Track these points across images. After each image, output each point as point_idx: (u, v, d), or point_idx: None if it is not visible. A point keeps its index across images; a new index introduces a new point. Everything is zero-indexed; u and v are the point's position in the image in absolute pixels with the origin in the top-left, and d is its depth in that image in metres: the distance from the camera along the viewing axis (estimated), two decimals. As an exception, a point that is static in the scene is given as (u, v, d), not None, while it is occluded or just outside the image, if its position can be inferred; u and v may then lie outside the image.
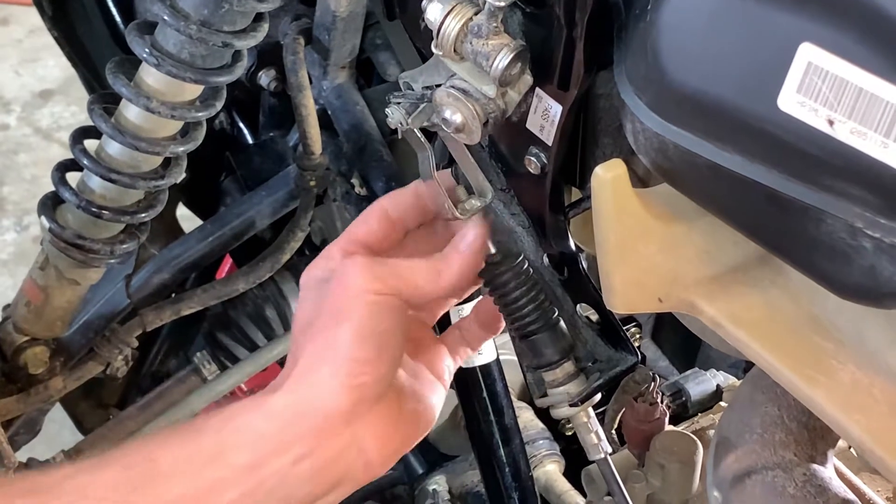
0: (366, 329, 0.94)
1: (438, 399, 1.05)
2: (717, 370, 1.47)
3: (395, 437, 0.98)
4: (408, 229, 1.06)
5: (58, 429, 2.05)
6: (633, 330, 1.70)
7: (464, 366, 1.34)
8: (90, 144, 1.39)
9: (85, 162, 1.36)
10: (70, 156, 1.40)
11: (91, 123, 1.37)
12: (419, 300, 0.99)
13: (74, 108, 3.36)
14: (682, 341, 1.72)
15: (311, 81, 1.54)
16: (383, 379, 0.95)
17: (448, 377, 1.07)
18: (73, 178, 1.41)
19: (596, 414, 1.08)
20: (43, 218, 1.41)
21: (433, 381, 1.05)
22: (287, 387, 0.95)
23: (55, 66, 3.46)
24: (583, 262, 1.01)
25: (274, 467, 0.92)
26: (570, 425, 1.10)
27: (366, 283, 0.95)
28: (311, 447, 0.93)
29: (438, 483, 1.64)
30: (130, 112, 1.32)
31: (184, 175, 1.41)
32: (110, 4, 1.72)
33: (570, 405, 1.03)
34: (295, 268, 1.67)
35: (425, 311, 1.07)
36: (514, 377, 1.48)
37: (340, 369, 0.94)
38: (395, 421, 0.98)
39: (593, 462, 1.08)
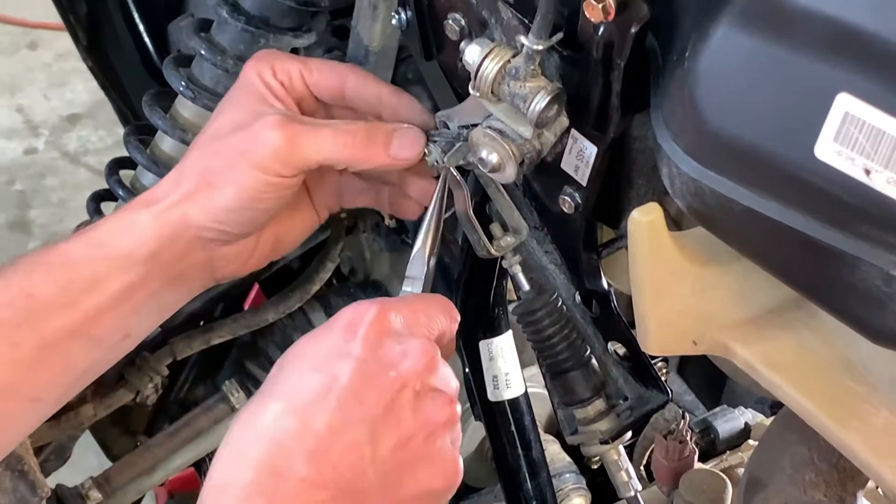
0: (246, 199, 1.00)
1: (305, 225, 1.12)
2: (744, 406, 1.47)
3: (247, 261, 1.08)
4: (338, 106, 1.09)
5: (83, 453, 2.05)
6: (659, 364, 1.71)
7: (492, 399, 1.34)
8: (125, 174, 1.41)
9: (120, 192, 1.37)
10: (100, 181, 1.41)
11: (125, 154, 1.39)
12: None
13: (102, 133, 3.38)
14: (709, 376, 1.72)
15: (342, 114, 1.55)
16: (245, 230, 1.03)
17: (325, 215, 1.13)
18: (107, 207, 1.43)
19: (625, 448, 1.09)
20: (78, 246, 1.42)
21: (310, 214, 1.12)
22: (160, 209, 1.01)
23: (83, 90, 3.48)
24: (614, 300, 1.01)
25: (147, 289, 1.01)
26: (596, 458, 1.11)
27: (268, 161, 0.99)
28: (176, 270, 1.02)
29: (464, 514, 1.64)
30: (166, 144, 1.34)
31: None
32: (143, 35, 1.74)
33: (601, 442, 1.04)
34: (324, 298, 1.68)
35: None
36: (540, 410, 1.49)
37: (207, 216, 1.01)
38: (252, 249, 1.07)
39: (623, 499, 1.08)
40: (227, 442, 0.86)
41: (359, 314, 0.90)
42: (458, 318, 0.96)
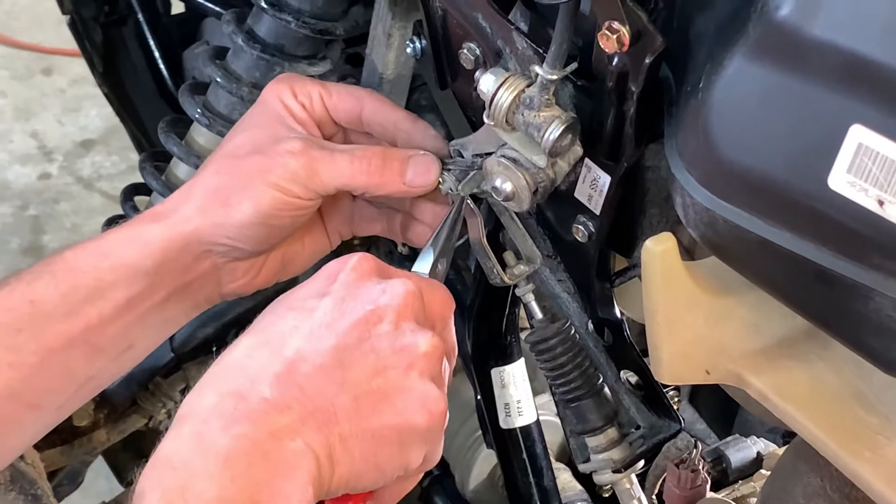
0: (262, 216, 1.00)
1: (315, 249, 1.11)
2: (756, 435, 1.47)
3: (253, 279, 1.07)
4: (355, 130, 1.09)
5: (94, 478, 2.06)
6: (671, 393, 1.70)
7: (504, 427, 1.34)
8: (140, 201, 1.41)
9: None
10: (114, 207, 1.42)
11: (138, 179, 1.40)
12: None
13: (115, 158, 3.39)
14: (720, 405, 1.72)
15: (356, 141, 1.56)
16: (257, 247, 1.03)
17: (337, 241, 1.13)
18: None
19: (637, 477, 1.09)
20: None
21: (321, 239, 1.11)
22: (170, 223, 1.01)
23: (97, 115, 3.49)
24: (627, 329, 1.02)
25: (151, 300, 1.01)
26: (608, 486, 1.11)
27: (287, 184, 0.99)
28: (182, 282, 1.02)
29: (475, 542, 1.63)
30: (181, 170, 1.34)
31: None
32: (159, 62, 1.75)
33: (614, 471, 1.04)
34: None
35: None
36: (552, 438, 1.49)
37: (220, 231, 1.01)
38: (259, 267, 1.07)
39: (634, 528, 1.08)
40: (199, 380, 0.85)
41: (342, 261, 0.91)
42: (454, 305, 0.94)
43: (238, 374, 0.83)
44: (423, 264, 0.97)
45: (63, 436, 1.52)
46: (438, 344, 0.88)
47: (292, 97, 1.05)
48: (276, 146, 1.01)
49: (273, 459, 0.79)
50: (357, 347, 0.85)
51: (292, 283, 1.55)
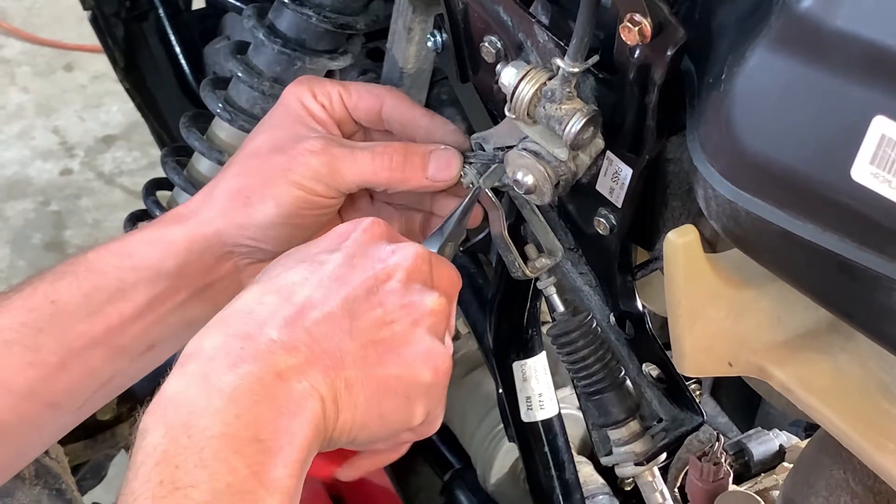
0: (285, 216, 1.00)
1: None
2: (778, 428, 1.46)
3: None
4: (375, 129, 1.09)
5: (117, 472, 2.07)
6: (693, 386, 1.70)
7: (525, 420, 1.34)
8: (162, 196, 1.42)
9: (157, 213, 1.39)
10: (135, 202, 1.43)
11: (159, 174, 1.40)
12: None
13: (136, 154, 3.40)
14: (742, 398, 1.71)
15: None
16: (279, 248, 1.00)
17: None
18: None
19: (659, 470, 1.09)
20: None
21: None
22: (193, 224, 1.02)
23: (118, 111, 3.50)
24: (648, 322, 1.02)
25: (173, 301, 1.01)
26: (630, 480, 1.11)
27: (310, 183, 1.00)
28: (203, 283, 1.02)
29: (497, 536, 1.64)
30: (203, 165, 1.35)
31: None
32: (180, 58, 1.76)
33: (636, 464, 1.04)
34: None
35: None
36: (574, 431, 1.49)
37: (243, 232, 1.01)
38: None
39: (657, 521, 1.08)
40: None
41: (354, 223, 0.92)
42: (460, 284, 0.95)
43: (246, 318, 0.83)
44: (432, 245, 0.98)
45: (87, 430, 1.52)
46: (446, 304, 0.89)
47: (312, 98, 1.05)
48: (297, 145, 1.01)
49: (278, 399, 0.80)
50: (366, 300, 0.86)
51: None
